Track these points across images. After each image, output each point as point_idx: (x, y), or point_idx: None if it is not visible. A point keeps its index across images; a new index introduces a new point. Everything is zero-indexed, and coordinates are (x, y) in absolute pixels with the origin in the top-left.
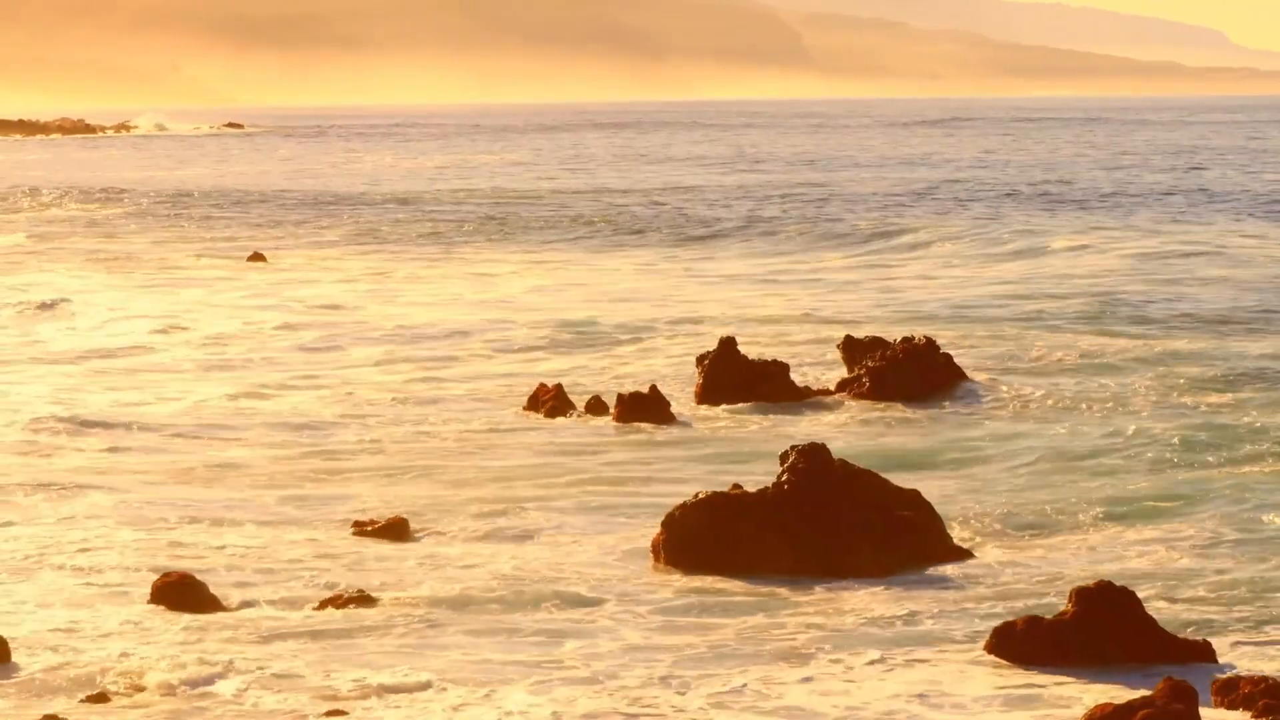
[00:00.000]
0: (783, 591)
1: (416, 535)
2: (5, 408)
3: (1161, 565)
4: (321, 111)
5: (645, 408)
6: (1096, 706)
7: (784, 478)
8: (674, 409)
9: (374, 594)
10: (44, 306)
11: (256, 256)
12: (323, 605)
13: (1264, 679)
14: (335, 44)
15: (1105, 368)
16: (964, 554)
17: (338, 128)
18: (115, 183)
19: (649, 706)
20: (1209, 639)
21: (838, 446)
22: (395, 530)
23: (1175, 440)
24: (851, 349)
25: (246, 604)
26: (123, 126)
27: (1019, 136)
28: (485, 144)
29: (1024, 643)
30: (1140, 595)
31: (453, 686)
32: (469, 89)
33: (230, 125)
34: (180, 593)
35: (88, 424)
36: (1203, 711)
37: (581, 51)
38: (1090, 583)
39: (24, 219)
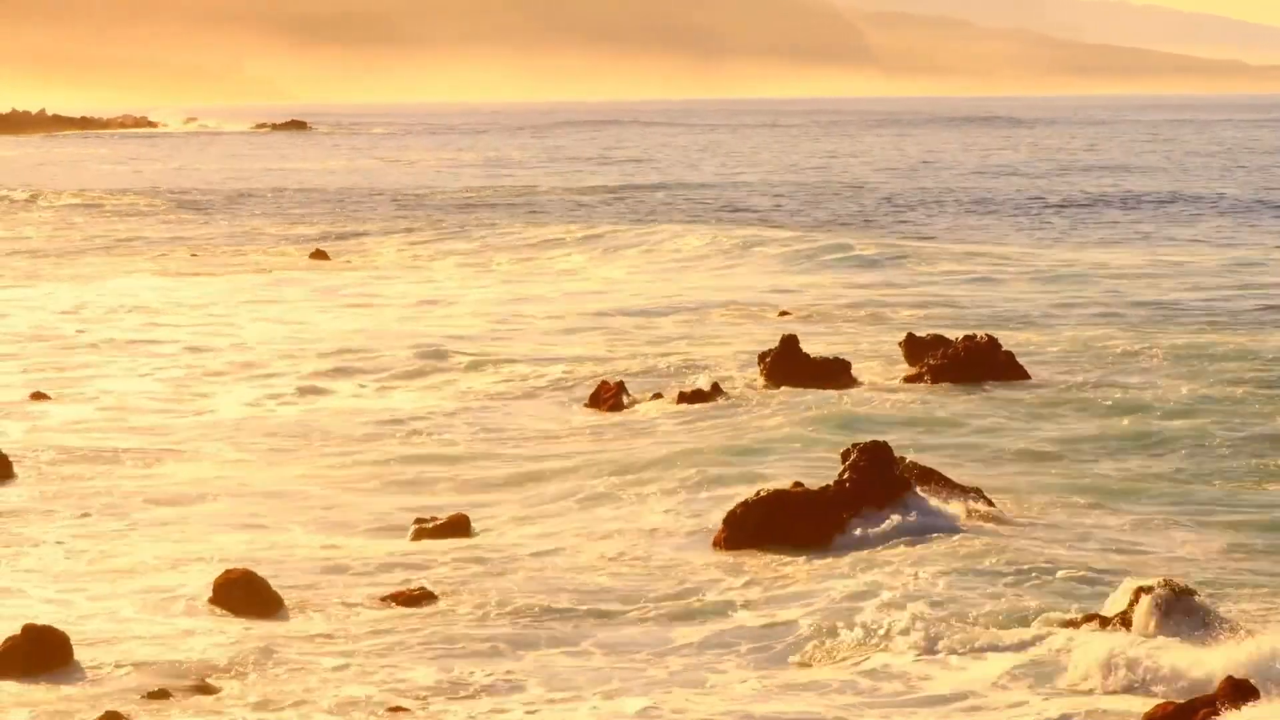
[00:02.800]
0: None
1: (478, 531)
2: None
3: (1228, 568)
4: (382, 109)
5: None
6: (1158, 705)
7: (845, 475)
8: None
9: (436, 591)
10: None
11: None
12: (385, 601)
13: None
14: (396, 42)
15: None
16: (1026, 550)
17: (427, 125)
18: (221, 185)
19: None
20: None
21: (898, 442)
22: (457, 527)
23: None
24: (913, 346)
25: (308, 601)
26: (190, 119)
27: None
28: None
29: (1085, 639)
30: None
31: (518, 684)
32: (529, 87)
33: (294, 123)
34: (242, 590)
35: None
36: (1264, 708)
37: (642, 50)
38: (1152, 579)
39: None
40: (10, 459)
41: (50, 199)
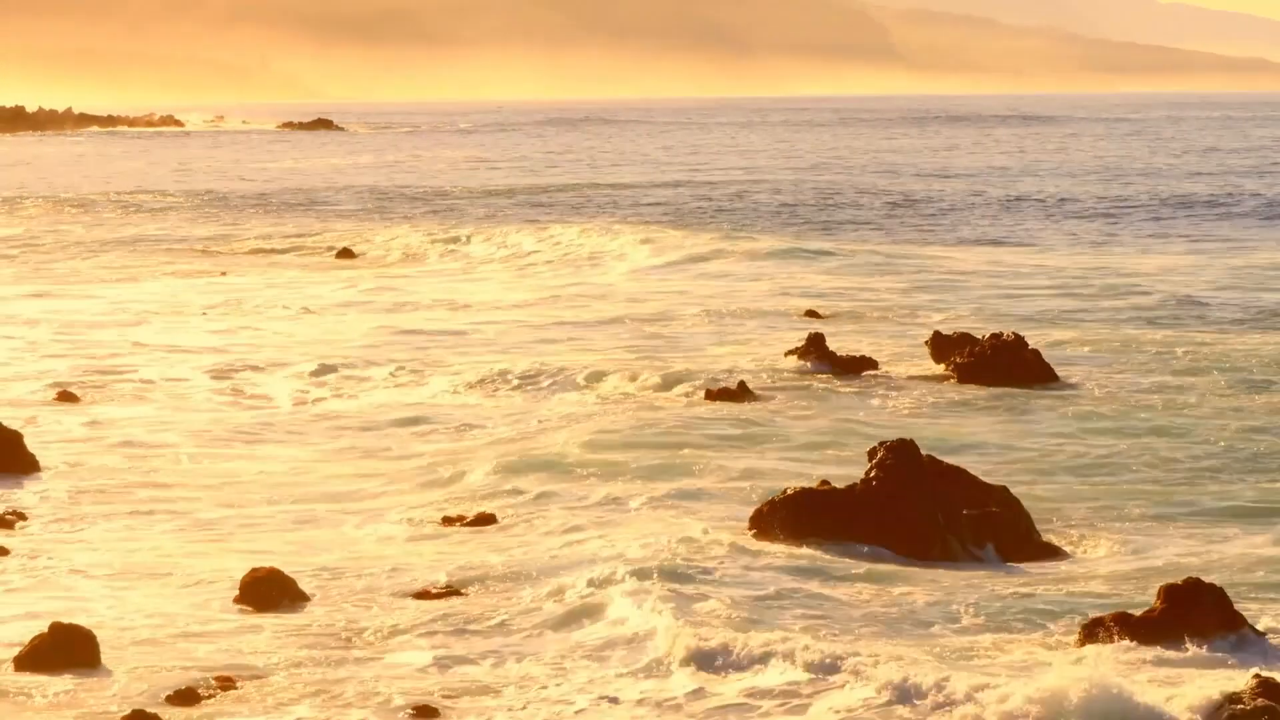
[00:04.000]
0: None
1: (506, 525)
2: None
3: (1252, 563)
4: (409, 107)
5: (733, 401)
6: (1186, 705)
7: (872, 473)
8: (761, 401)
9: (462, 588)
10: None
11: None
12: (414, 598)
13: None
14: (423, 39)
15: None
16: (1052, 550)
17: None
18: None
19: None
20: None
21: (925, 441)
22: (484, 522)
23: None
24: (940, 345)
25: (336, 598)
26: (218, 118)
27: None
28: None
29: (1114, 638)
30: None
31: (541, 681)
32: (556, 85)
33: (321, 122)
34: (269, 588)
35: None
36: None
37: (669, 47)
38: (1179, 580)
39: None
40: (37, 456)
41: (83, 198)
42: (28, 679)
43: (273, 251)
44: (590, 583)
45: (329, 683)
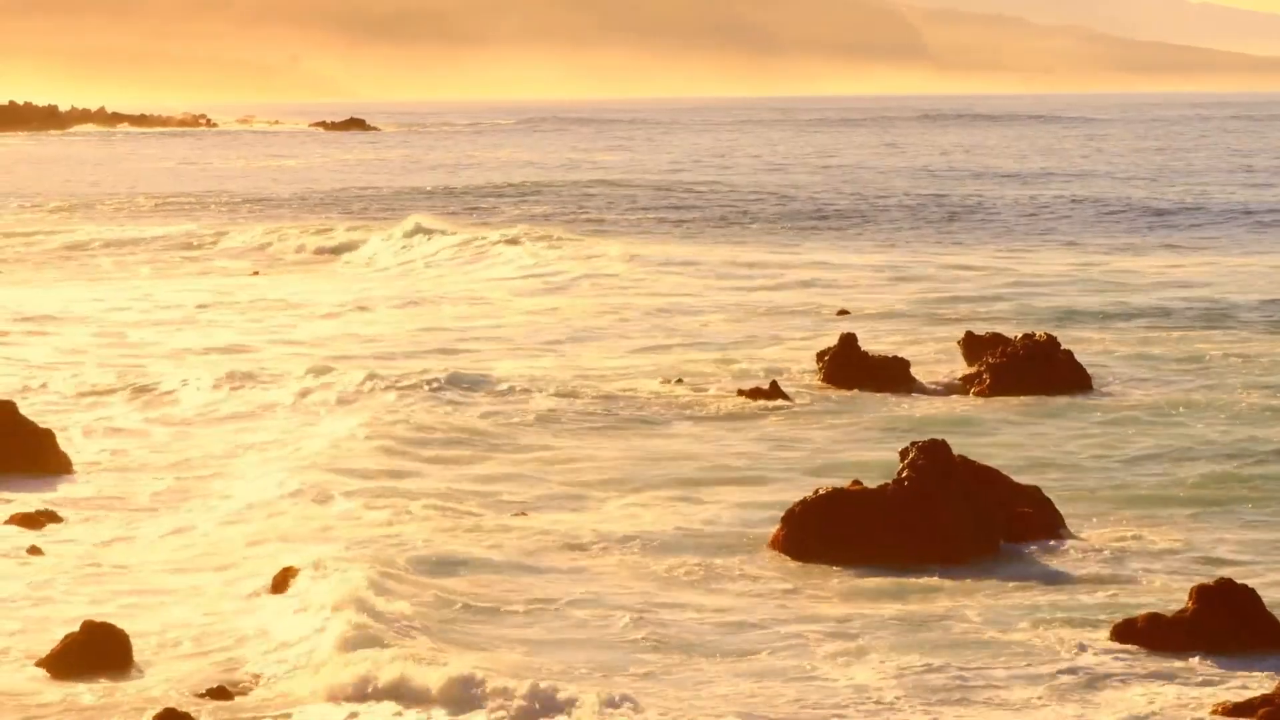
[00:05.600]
0: (903, 580)
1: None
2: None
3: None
4: (438, 106)
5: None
6: (1218, 704)
7: (904, 473)
8: (793, 400)
9: (504, 588)
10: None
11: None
12: (450, 596)
13: None
14: (451, 39)
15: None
16: (1084, 549)
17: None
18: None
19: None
20: None
21: (957, 442)
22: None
23: None
24: (972, 345)
25: (374, 594)
26: (245, 119)
27: None
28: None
29: (1145, 639)
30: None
31: (579, 684)
32: (585, 85)
33: (353, 121)
34: (302, 586)
35: None
36: None
37: (697, 47)
38: (1210, 580)
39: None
40: (69, 456)
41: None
42: (60, 679)
43: None
44: None
45: (366, 679)
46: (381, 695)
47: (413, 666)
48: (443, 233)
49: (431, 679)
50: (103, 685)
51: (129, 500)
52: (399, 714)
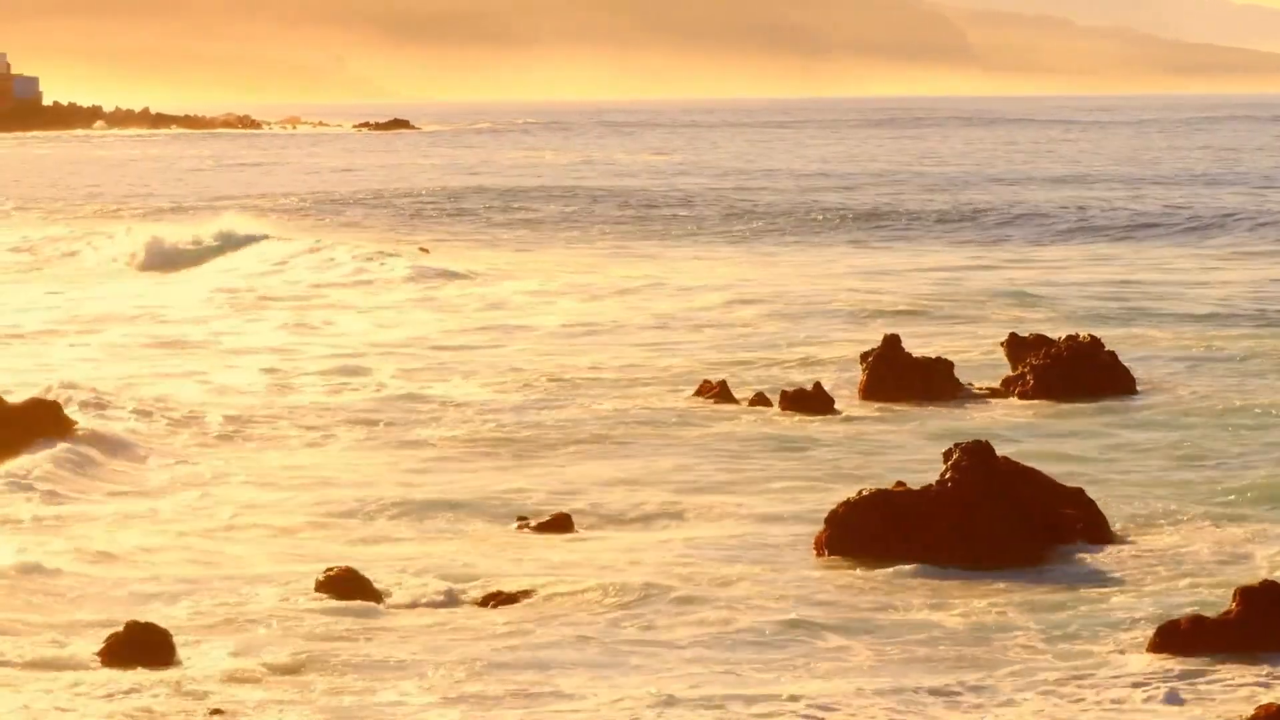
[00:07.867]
0: (949, 584)
1: (581, 530)
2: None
3: None
4: (481, 107)
5: (808, 405)
6: (1261, 707)
7: (948, 475)
8: (837, 406)
9: (536, 590)
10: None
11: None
12: (484, 602)
13: None
14: (494, 40)
15: None
16: (1127, 552)
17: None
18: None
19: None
20: None
21: (1002, 444)
22: (559, 525)
23: None
24: (1015, 347)
25: (408, 598)
26: (290, 121)
27: None
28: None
29: (1188, 641)
30: None
31: (617, 691)
32: (627, 85)
33: (396, 122)
34: (345, 586)
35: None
36: None
37: (742, 48)
38: (1255, 583)
39: None
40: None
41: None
42: (106, 673)
43: None
44: None
45: (400, 679)
46: None
47: None
48: None
49: None
50: (146, 684)
51: (184, 491)
52: None
